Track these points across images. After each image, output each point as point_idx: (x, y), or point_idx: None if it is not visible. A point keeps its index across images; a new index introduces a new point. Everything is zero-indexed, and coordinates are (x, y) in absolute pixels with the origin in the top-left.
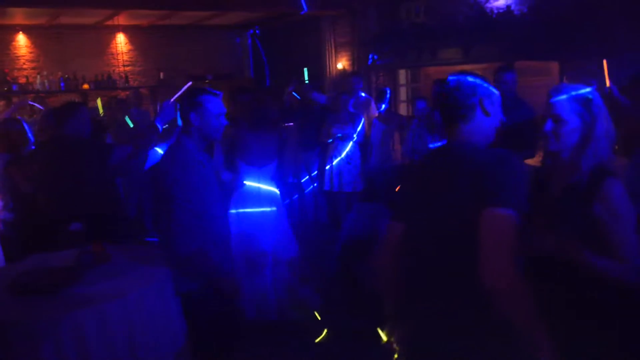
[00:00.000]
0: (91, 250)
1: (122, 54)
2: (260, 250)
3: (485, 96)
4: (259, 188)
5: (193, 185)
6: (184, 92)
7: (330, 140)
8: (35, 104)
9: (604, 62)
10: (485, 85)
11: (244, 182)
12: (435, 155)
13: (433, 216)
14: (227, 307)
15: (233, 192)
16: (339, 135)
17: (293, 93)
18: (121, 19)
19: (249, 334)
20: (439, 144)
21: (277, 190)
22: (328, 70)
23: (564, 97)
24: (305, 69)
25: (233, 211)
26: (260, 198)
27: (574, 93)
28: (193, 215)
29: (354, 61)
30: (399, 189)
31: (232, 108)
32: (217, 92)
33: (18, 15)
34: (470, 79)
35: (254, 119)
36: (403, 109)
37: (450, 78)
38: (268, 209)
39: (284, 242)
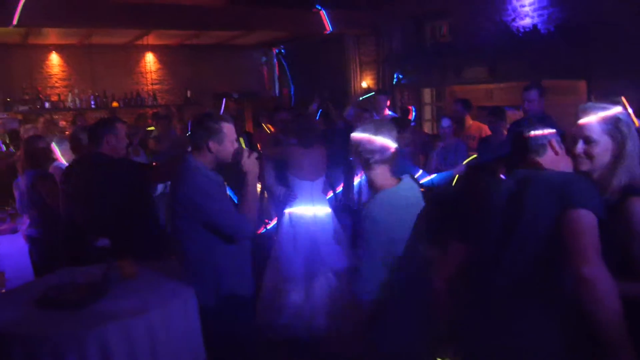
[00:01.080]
0: (118, 266)
1: (151, 72)
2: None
3: (554, 139)
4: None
5: (204, 204)
6: (197, 118)
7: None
8: None
9: (623, 99)
10: (556, 130)
11: (297, 206)
12: (512, 178)
13: (512, 237)
14: (241, 325)
15: (286, 204)
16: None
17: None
18: (150, 39)
19: (273, 350)
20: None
21: (327, 208)
22: (353, 88)
23: (593, 117)
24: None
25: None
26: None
27: (603, 114)
28: (208, 235)
29: (378, 79)
30: (464, 212)
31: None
32: (231, 119)
33: (52, 35)
34: (541, 124)
35: (304, 135)
36: (428, 128)
37: (526, 122)
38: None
39: (331, 254)
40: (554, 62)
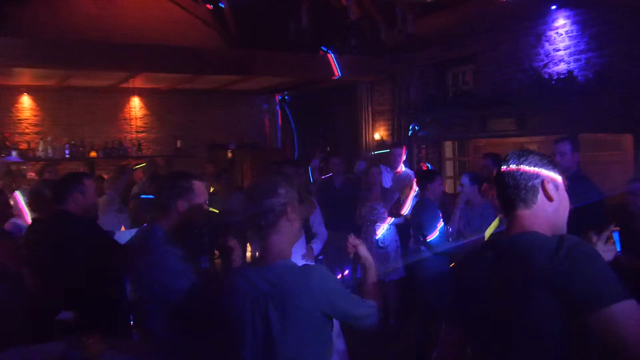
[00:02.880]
0: (80, 344)
1: (137, 119)
2: None
3: (549, 178)
4: None
5: (173, 287)
6: (165, 176)
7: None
8: None
9: None
10: (550, 165)
11: None
12: (493, 247)
13: (503, 323)
14: None
15: None
16: (372, 217)
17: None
18: (137, 82)
19: None
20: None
21: None
22: (364, 140)
23: None
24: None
25: None
26: None
27: None
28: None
29: (393, 131)
30: (454, 287)
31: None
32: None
33: (25, 76)
34: (533, 157)
35: None
36: (449, 186)
37: (510, 156)
38: None
39: None
40: (593, 113)
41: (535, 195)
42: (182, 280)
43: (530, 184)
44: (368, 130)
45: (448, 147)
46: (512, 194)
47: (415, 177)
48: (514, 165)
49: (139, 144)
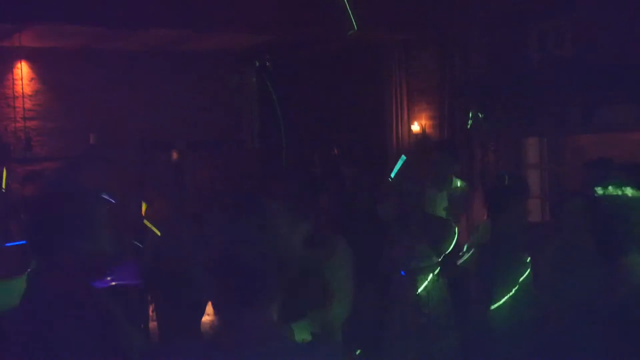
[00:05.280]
0: None
1: (24, 97)
2: None
3: None
4: None
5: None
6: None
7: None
8: None
9: None
10: None
11: None
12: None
13: None
14: None
15: None
16: (410, 264)
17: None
18: (26, 38)
19: None
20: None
21: None
22: (395, 134)
23: None
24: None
25: None
26: None
27: None
28: None
29: (442, 120)
30: None
31: None
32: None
33: None
34: None
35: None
36: (535, 212)
37: (612, 171)
38: None
39: None
40: None
41: None
42: None
43: None
44: (401, 119)
45: (532, 148)
46: (615, 232)
47: (487, 195)
48: (615, 185)
49: (28, 139)
